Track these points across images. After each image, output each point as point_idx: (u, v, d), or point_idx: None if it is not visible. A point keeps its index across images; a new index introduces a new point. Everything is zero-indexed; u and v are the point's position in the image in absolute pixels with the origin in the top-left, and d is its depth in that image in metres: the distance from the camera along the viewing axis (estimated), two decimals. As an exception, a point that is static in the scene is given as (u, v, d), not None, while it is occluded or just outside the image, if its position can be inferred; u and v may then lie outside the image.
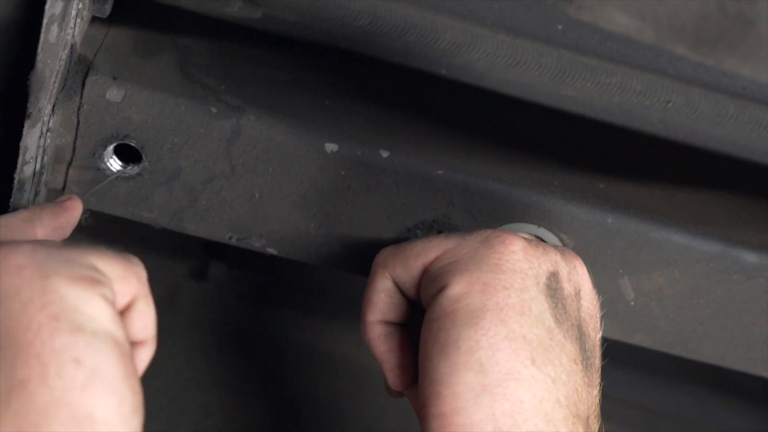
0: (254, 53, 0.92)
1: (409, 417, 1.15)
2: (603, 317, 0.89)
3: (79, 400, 0.58)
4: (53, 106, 0.80)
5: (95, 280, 0.62)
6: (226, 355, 1.13)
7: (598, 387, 0.77)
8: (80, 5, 0.78)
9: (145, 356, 0.68)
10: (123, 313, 0.66)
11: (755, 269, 0.89)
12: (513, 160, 0.90)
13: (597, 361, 0.77)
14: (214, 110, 0.83)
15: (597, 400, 0.76)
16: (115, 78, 0.82)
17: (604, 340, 0.89)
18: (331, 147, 0.84)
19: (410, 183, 0.85)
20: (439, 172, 0.85)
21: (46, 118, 0.79)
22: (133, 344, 0.66)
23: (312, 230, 0.86)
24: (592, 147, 0.96)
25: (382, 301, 0.79)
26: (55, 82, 0.78)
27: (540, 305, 0.74)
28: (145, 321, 0.67)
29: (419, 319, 0.80)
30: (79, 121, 0.82)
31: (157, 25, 0.90)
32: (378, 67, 0.90)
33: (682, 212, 0.90)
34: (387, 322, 0.80)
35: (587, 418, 0.74)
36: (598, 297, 0.81)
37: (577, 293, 0.78)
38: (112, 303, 0.63)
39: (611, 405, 1.21)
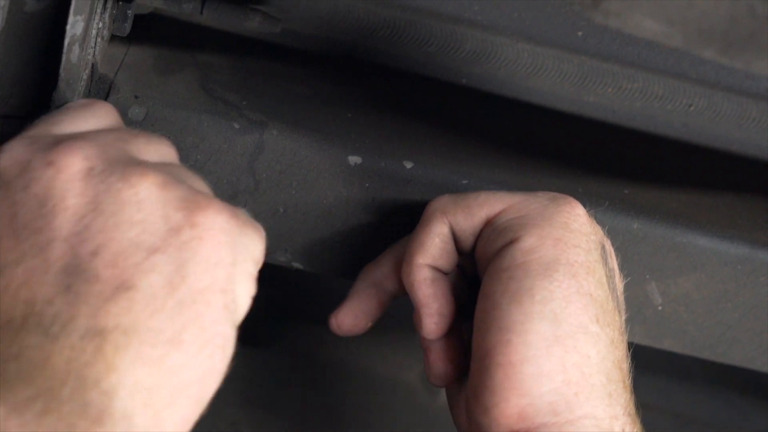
0: (275, 68, 0.92)
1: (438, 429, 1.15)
2: (631, 323, 0.88)
3: (209, 385, 0.60)
4: (76, 126, 0.80)
5: (254, 280, 0.64)
6: (253, 371, 1.13)
7: (630, 363, 0.77)
8: (100, 25, 0.78)
9: None
10: None
11: (782, 271, 0.89)
12: (536, 168, 0.89)
13: (626, 339, 0.78)
14: (236, 126, 0.82)
15: (630, 375, 0.76)
16: (136, 96, 0.82)
17: (633, 346, 0.89)
18: (354, 159, 0.84)
19: (435, 194, 0.84)
20: (464, 182, 0.85)
21: (69, 139, 0.79)
22: None
23: (337, 244, 0.86)
24: (615, 153, 0.96)
25: (435, 246, 0.79)
26: (77, 103, 0.78)
27: (600, 270, 0.75)
28: None
29: (461, 275, 0.80)
30: (102, 141, 0.82)
31: (177, 43, 0.90)
32: (399, 78, 0.90)
33: (707, 216, 0.90)
34: (434, 268, 0.79)
35: (629, 387, 0.75)
36: (625, 303, 0.81)
37: (616, 272, 0.79)
38: None
39: (641, 411, 1.21)
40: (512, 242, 0.74)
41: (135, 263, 0.59)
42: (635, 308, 0.89)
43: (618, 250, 0.86)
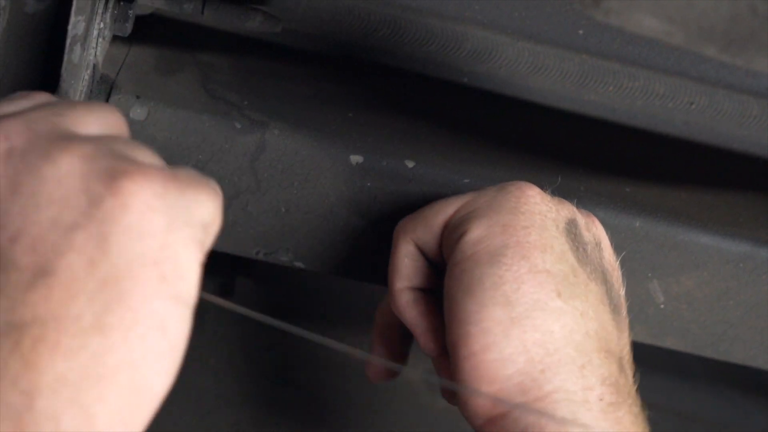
0: (276, 68, 0.92)
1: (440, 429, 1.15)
2: (633, 321, 0.88)
3: (147, 370, 0.54)
4: (77, 127, 0.80)
5: (203, 246, 0.58)
6: (255, 371, 1.13)
7: (628, 334, 0.76)
8: (102, 25, 0.78)
9: None
10: None
11: (785, 269, 0.89)
12: (538, 167, 0.89)
13: (624, 311, 0.77)
14: (238, 126, 0.82)
15: (628, 348, 0.76)
16: (138, 97, 0.82)
17: (635, 345, 0.89)
18: (356, 159, 0.84)
19: (436, 193, 0.85)
20: (465, 180, 0.85)
21: (71, 139, 0.79)
22: None
23: (339, 243, 0.86)
24: (616, 151, 0.95)
25: (407, 267, 0.79)
26: (78, 103, 0.78)
27: (561, 245, 0.74)
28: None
29: (442, 286, 0.79)
30: (103, 141, 0.82)
31: (178, 43, 0.90)
32: (400, 78, 0.90)
33: (709, 214, 0.90)
34: (414, 289, 0.80)
35: (620, 358, 0.74)
36: (627, 301, 0.81)
37: (598, 243, 0.78)
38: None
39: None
40: (461, 236, 0.75)
41: (53, 245, 0.53)
42: (637, 307, 0.89)
43: (619, 248, 0.86)
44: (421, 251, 0.80)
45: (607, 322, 0.74)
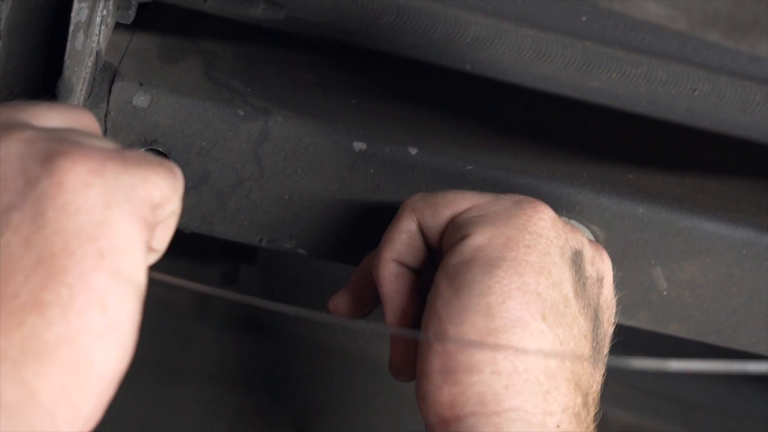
0: (279, 55, 0.92)
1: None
2: (636, 308, 0.89)
3: (87, 346, 0.55)
4: (81, 114, 0.80)
5: (149, 225, 0.59)
6: (258, 359, 1.13)
7: (602, 375, 0.77)
8: (104, 12, 0.78)
9: (150, 261, 0.64)
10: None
11: (788, 255, 0.89)
12: (541, 154, 0.89)
13: (605, 350, 0.78)
14: (241, 113, 0.83)
15: (598, 386, 0.76)
16: (141, 84, 0.82)
17: (639, 331, 0.89)
18: (359, 146, 0.84)
19: (440, 179, 0.85)
20: (468, 167, 0.85)
21: (74, 126, 0.79)
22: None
23: (342, 230, 0.86)
24: (620, 138, 0.95)
25: (402, 242, 0.79)
26: (81, 90, 0.78)
27: (561, 273, 0.75)
28: (166, 234, 0.63)
29: (433, 271, 0.80)
30: (106, 128, 0.82)
31: (181, 31, 0.90)
32: (403, 65, 0.90)
33: (712, 200, 0.90)
34: (401, 264, 0.80)
35: (587, 394, 0.74)
36: (630, 288, 0.81)
37: (600, 280, 0.79)
38: (151, 251, 0.61)
39: (647, 398, 1.21)
40: (464, 238, 0.75)
41: None
42: (640, 293, 0.89)
43: (623, 235, 0.86)
44: (422, 232, 0.80)
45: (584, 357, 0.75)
